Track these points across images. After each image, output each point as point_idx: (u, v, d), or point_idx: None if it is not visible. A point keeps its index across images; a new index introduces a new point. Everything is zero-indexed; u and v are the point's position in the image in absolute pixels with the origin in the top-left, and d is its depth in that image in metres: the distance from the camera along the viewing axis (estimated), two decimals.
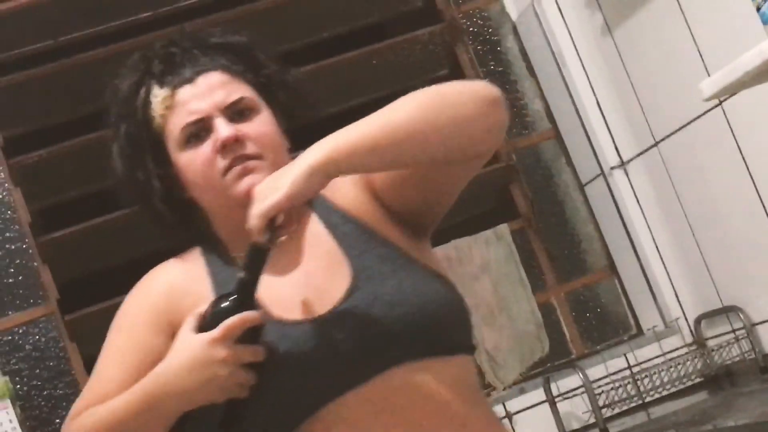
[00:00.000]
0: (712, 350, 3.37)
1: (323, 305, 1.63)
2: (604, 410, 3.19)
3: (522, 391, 3.34)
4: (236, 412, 1.59)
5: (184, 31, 1.89)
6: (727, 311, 3.29)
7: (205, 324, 1.59)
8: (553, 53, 3.64)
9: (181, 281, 1.75)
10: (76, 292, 3.35)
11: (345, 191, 1.77)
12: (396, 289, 1.63)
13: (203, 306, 1.62)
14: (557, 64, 3.64)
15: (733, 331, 3.29)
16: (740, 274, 3.21)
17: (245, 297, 1.59)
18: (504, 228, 3.51)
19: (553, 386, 3.30)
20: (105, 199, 3.38)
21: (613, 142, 3.56)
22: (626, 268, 3.68)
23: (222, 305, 1.59)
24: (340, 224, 1.73)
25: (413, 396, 1.56)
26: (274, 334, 1.59)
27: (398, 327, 1.59)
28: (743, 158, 3.01)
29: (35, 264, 3.29)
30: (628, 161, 3.54)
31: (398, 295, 1.62)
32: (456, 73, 3.76)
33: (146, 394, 1.60)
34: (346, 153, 1.56)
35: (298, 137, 1.82)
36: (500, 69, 3.79)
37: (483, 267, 3.42)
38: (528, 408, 3.32)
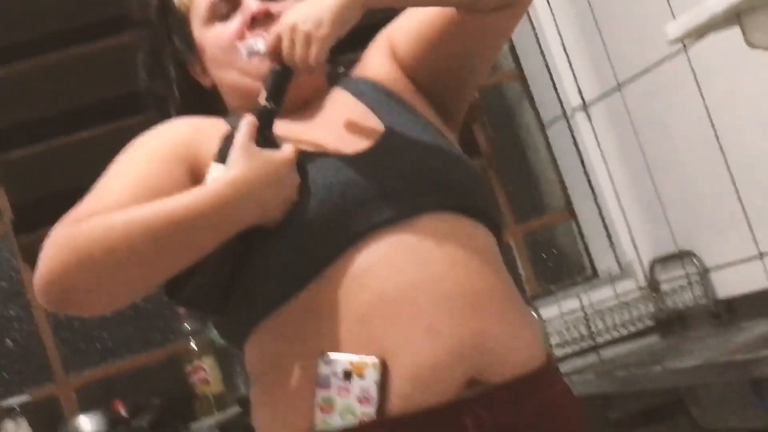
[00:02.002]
0: (665, 294, 3.40)
1: (357, 147, 1.58)
2: (556, 350, 3.22)
3: None
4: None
5: None
6: (682, 256, 3.31)
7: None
8: None
9: (206, 125, 1.64)
10: (32, 214, 3.32)
11: (372, 65, 1.74)
12: (431, 141, 1.60)
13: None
14: None
15: (687, 275, 3.31)
16: (696, 220, 3.23)
17: (268, 126, 1.53)
18: None
19: None
20: (66, 121, 3.38)
21: (577, 83, 3.56)
22: (584, 211, 3.69)
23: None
24: (369, 92, 1.69)
25: (444, 242, 1.51)
26: (311, 166, 1.53)
27: (435, 172, 1.56)
28: (705, 105, 3.01)
29: None
30: (591, 103, 3.54)
31: (435, 146, 1.60)
32: None
33: (218, 196, 1.46)
34: None
35: None
36: None
37: None
38: None
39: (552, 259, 3.72)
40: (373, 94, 1.69)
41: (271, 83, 1.55)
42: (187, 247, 1.47)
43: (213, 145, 1.56)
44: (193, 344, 3.17)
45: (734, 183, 3.00)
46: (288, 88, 1.56)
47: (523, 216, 3.72)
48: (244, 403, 2.97)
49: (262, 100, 1.54)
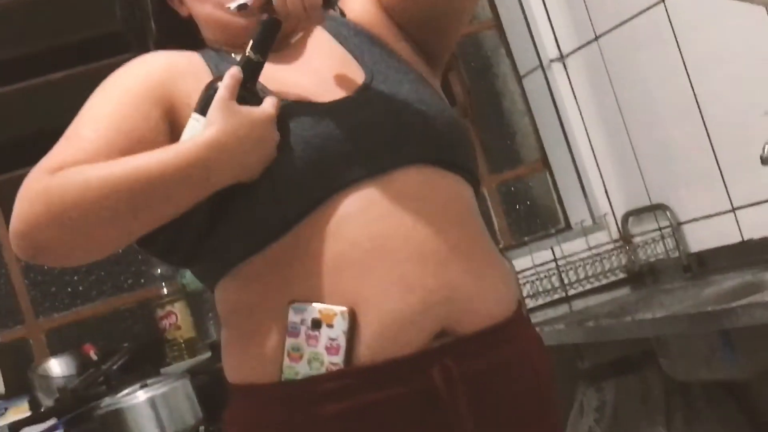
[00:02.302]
0: (638, 247, 3.41)
1: (336, 96, 1.55)
2: (528, 300, 3.23)
3: None
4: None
5: None
6: (655, 209, 3.32)
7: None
8: None
9: (180, 62, 1.60)
10: (3, 156, 3.29)
11: (354, 6, 1.71)
12: (412, 92, 1.58)
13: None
14: None
15: (660, 229, 3.32)
16: (670, 174, 3.24)
17: (252, 79, 1.50)
18: None
19: None
20: (40, 61, 3.34)
21: (554, 34, 3.54)
22: (559, 163, 3.69)
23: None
24: (351, 36, 1.67)
25: (420, 195, 1.50)
26: (290, 117, 1.50)
27: (415, 124, 1.54)
28: (682, 58, 3.00)
29: None
30: (568, 55, 3.53)
31: (415, 97, 1.57)
32: None
33: (196, 158, 1.43)
34: None
35: None
36: None
37: None
38: None
39: (525, 210, 3.73)
40: (355, 39, 1.66)
41: (259, 34, 1.51)
42: (163, 207, 1.46)
43: (189, 84, 1.54)
44: (164, 289, 3.16)
45: (709, 137, 3.00)
46: (275, 40, 1.52)
47: (498, 166, 3.72)
48: (216, 348, 2.97)
49: (248, 51, 1.50)
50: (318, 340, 1.44)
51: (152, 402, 2.70)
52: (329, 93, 1.55)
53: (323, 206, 1.47)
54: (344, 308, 1.44)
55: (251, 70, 1.50)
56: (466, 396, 1.46)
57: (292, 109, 1.51)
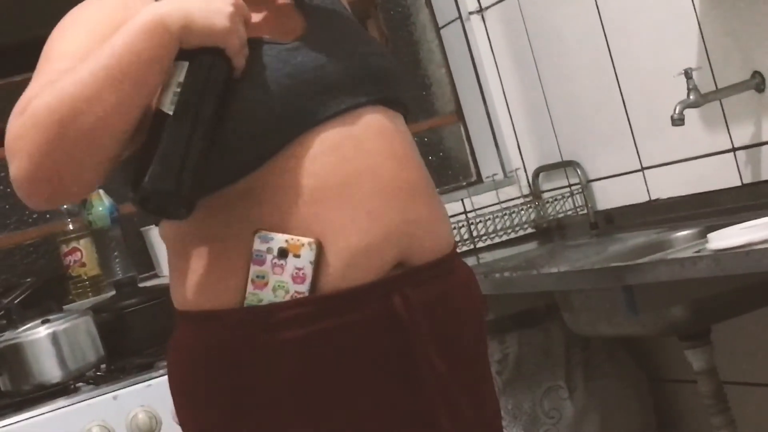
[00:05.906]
0: (547, 202, 3.44)
1: (290, 38, 1.60)
2: None
3: None
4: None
5: None
6: (566, 166, 3.35)
7: None
8: None
9: (134, 2, 1.61)
10: None
11: None
12: (355, 34, 1.66)
13: None
14: None
15: (569, 185, 3.36)
16: (582, 131, 3.26)
17: None
18: None
19: None
20: None
21: None
22: (473, 116, 3.70)
23: None
24: None
25: (382, 134, 1.58)
26: (264, 53, 1.55)
27: (366, 64, 1.60)
28: (600, 16, 3.02)
29: None
30: (487, 8, 3.52)
31: (359, 38, 1.66)
32: None
33: (149, 15, 1.46)
34: None
35: None
36: None
37: None
38: None
39: (438, 161, 3.74)
40: None
41: None
42: (137, 77, 1.46)
43: None
44: (70, 225, 3.11)
45: (622, 96, 3.03)
46: None
47: (411, 117, 3.67)
48: (121, 286, 2.94)
49: None
50: (284, 269, 1.48)
51: (54, 337, 2.68)
52: (283, 36, 1.60)
53: (295, 143, 1.51)
54: (312, 239, 1.48)
55: None
56: (426, 321, 1.54)
57: (264, 47, 1.56)
